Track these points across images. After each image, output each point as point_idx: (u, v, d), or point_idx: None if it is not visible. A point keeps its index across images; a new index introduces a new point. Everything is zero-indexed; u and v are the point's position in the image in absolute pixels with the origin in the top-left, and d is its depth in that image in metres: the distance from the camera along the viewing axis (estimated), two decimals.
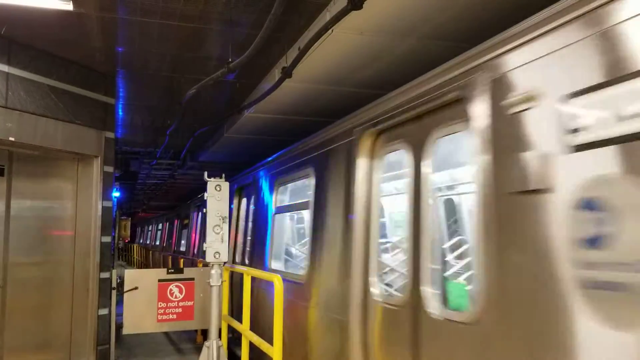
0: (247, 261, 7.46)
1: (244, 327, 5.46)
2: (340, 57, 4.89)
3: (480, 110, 2.71)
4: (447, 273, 4.54)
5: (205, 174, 5.91)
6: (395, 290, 4.35)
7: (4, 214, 6.20)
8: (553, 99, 2.25)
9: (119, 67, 6.49)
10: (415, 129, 3.47)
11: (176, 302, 7.06)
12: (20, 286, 6.25)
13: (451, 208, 5.26)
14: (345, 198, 4.11)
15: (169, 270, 7.17)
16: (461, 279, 4.38)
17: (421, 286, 3.16)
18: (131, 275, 7.02)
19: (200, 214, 11.53)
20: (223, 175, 5.98)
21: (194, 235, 12.40)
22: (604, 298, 1.94)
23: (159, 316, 6.98)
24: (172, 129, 8.99)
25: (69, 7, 4.50)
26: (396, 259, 5.00)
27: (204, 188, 6.40)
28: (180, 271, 7.25)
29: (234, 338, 7.29)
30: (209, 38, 5.43)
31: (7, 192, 6.25)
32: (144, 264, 22.34)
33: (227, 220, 5.88)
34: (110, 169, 6.75)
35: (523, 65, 2.45)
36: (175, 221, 16.51)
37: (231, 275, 7.33)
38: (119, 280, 7.28)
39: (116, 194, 11.54)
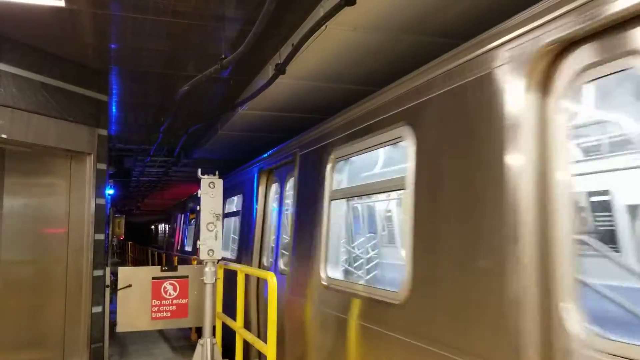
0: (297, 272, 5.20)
1: (237, 324, 5.45)
2: (334, 53, 4.88)
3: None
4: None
5: (199, 171, 5.89)
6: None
7: None
8: None
9: (112, 63, 6.45)
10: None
11: (170, 300, 7.04)
12: (12, 284, 6.22)
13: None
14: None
15: (163, 268, 7.15)
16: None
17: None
18: (125, 273, 7.00)
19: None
20: (217, 172, 5.97)
21: None
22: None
23: (153, 314, 6.96)
24: (165, 126, 8.96)
25: (61, 3, 4.47)
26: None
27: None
28: (174, 269, 7.23)
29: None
30: (202, 34, 5.40)
31: None
32: None
33: (221, 217, 5.87)
34: (103, 166, 6.72)
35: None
36: None
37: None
38: (112, 278, 7.26)
39: (110, 191, 11.50)
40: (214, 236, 5.76)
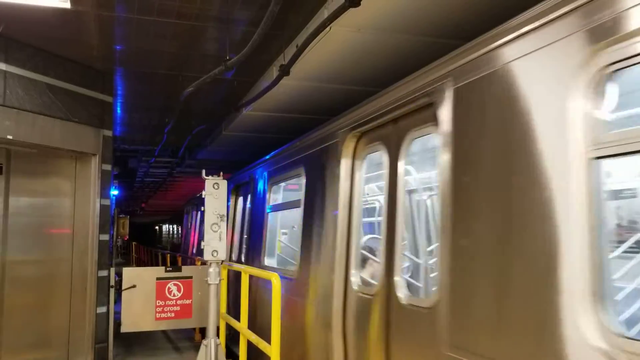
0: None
1: (242, 325, 5.45)
2: (338, 54, 4.88)
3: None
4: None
5: (203, 172, 5.90)
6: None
7: (2, 212, 6.20)
8: None
9: (117, 65, 6.48)
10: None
11: (174, 301, 7.07)
12: (18, 284, 6.26)
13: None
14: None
15: (167, 269, 7.17)
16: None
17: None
18: (129, 274, 7.03)
19: None
20: (221, 173, 5.98)
21: None
22: None
23: (157, 314, 6.99)
24: (170, 127, 8.98)
25: (67, 5, 4.48)
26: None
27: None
28: (179, 269, 7.26)
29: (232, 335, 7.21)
30: (207, 36, 5.42)
31: (5, 190, 6.26)
32: None
33: (225, 218, 5.88)
34: (108, 167, 6.75)
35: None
36: None
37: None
38: (117, 279, 7.29)
39: (114, 192, 11.53)
40: (218, 237, 5.77)
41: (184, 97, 6.56)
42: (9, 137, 5.46)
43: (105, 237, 6.73)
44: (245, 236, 7.77)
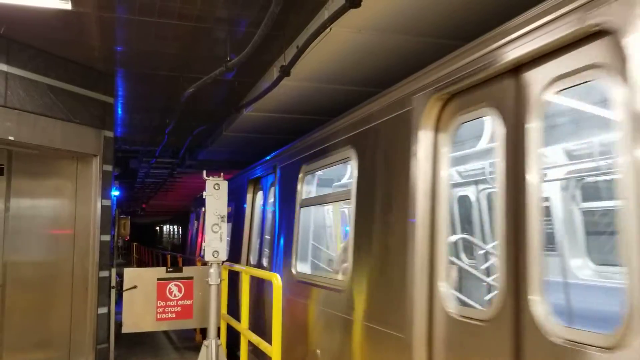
0: None
1: (242, 326, 5.45)
2: (339, 55, 4.89)
3: None
4: None
5: (204, 172, 5.90)
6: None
7: (3, 212, 6.21)
8: None
9: (118, 66, 6.49)
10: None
11: (175, 301, 7.08)
12: (19, 285, 6.26)
13: None
14: None
15: (168, 269, 7.18)
16: None
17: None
18: (130, 274, 7.04)
19: None
20: (222, 174, 5.98)
21: None
22: None
23: (158, 315, 7.00)
24: (171, 128, 9.00)
25: (68, 6, 4.50)
26: None
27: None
28: (180, 270, 7.26)
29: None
30: (207, 37, 5.43)
31: (7, 191, 6.27)
32: None
33: (226, 219, 5.88)
34: (109, 167, 6.76)
35: None
36: None
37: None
38: (118, 279, 7.30)
39: (115, 192, 11.54)
40: (219, 237, 5.77)
41: (184, 98, 6.57)
42: (11, 138, 5.47)
43: (106, 237, 6.73)
44: (267, 237, 6.64)
